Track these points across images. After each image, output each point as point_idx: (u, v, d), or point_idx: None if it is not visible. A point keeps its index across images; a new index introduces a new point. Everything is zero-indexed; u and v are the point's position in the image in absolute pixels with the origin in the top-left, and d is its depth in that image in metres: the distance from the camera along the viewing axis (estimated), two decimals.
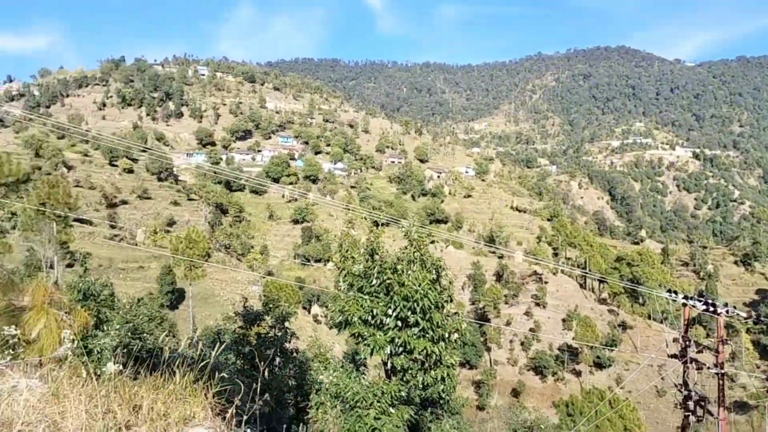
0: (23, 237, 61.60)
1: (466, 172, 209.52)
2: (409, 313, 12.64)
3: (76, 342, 7.07)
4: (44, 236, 52.45)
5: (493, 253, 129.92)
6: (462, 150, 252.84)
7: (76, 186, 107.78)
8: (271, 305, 23.32)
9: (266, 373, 17.83)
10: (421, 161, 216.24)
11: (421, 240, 14.04)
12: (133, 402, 4.10)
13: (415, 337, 12.78)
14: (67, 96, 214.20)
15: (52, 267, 53.64)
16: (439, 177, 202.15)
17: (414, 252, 13.70)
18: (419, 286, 12.70)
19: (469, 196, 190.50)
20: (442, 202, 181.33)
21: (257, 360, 19.98)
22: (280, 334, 21.46)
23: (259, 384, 5.99)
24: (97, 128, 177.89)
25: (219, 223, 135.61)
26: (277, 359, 20.47)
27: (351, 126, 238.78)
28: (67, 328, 7.73)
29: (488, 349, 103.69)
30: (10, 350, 6.27)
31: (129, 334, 15.89)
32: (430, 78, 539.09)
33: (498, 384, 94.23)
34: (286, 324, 21.97)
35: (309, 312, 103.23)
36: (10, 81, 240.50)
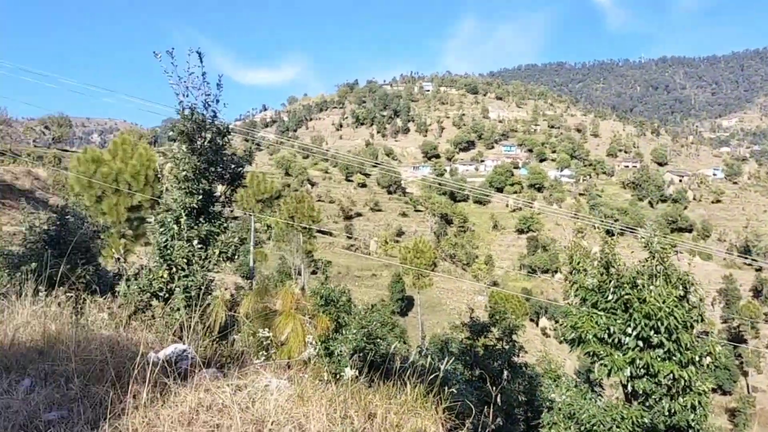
0: (276, 246, 69.16)
1: (714, 175, 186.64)
2: (652, 332, 11.20)
3: (317, 346, 7.18)
4: (293, 246, 58.17)
5: (749, 265, 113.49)
6: (708, 150, 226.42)
7: (318, 200, 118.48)
8: (498, 317, 22.62)
9: (494, 387, 17.14)
10: (660, 164, 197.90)
11: (664, 251, 12.28)
12: (368, 410, 4.09)
13: (659, 359, 11.23)
14: (310, 120, 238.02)
15: (299, 274, 59.23)
16: (681, 181, 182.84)
17: (657, 265, 12.01)
18: (663, 303, 11.11)
19: (718, 201, 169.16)
20: (686, 208, 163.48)
21: (484, 372, 19.50)
22: (507, 346, 20.68)
23: (492, 400, 5.47)
24: (335, 147, 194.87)
25: (444, 233, 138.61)
26: (505, 372, 19.70)
27: (578, 130, 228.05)
28: (311, 333, 7.97)
29: (745, 374, 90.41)
30: (264, 351, 6.46)
31: (364, 338, 16.42)
32: (667, 74, 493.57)
33: (758, 414, 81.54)
34: (514, 337, 21.11)
35: (537, 325, 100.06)
36: (265, 110, 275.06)
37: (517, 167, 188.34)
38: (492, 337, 20.38)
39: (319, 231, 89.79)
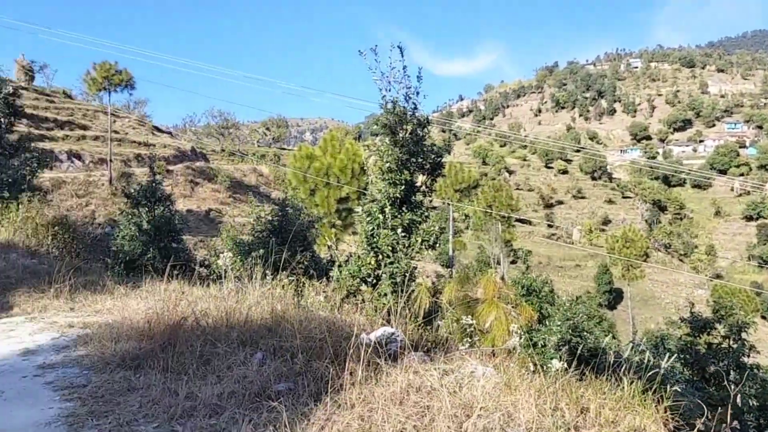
0: (474, 236, 69.44)
1: None
2: None
3: (522, 335, 7.05)
4: (491, 235, 57.92)
5: None
6: None
7: (517, 189, 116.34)
8: (723, 312, 20.42)
9: (718, 388, 15.59)
10: None
11: None
12: (580, 404, 3.97)
13: None
14: (507, 107, 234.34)
15: (498, 263, 58.88)
16: None
17: None
18: None
19: None
20: None
21: (707, 372, 17.65)
22: (735, 345, 18.60)
23: (731, 401, 4.92)
24: (533, 134, 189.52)
25: (657, 222, 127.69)
26: (732, 374, 17.72)
27: None
28: (515, 322, 7.86)
29: None
30: (468, 338, 6.51)
31: (569, 331, 15.83)
32: None
33: None
34: (743, 335, 18.94)
35: None
36: (461, 100, 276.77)
37: (743, 146, 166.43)
38: (716, 335, 18.37)
39: (518, 220, 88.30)
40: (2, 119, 15.75)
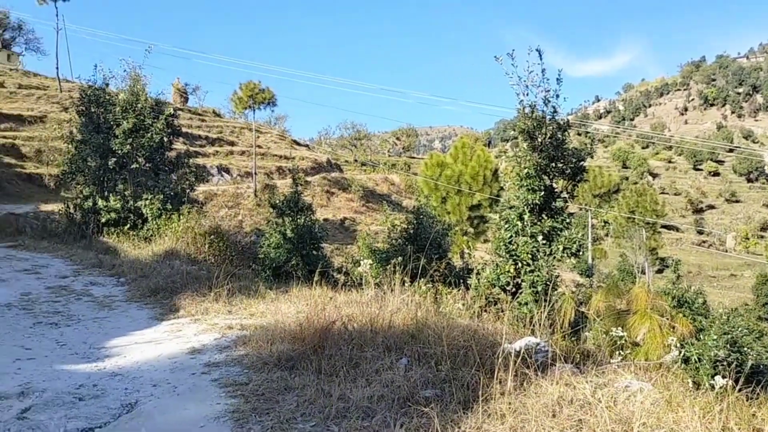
0: (616, 243, 65.96)
1: None
2: None
3: (682, 350, 6.56)
4: (635, 243, 54.68)
5: None
6: None
7: (662, 193, 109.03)
8: None
9: None
10: None
11: None
12: (753, 424, 3.69)
13: None
14: (649, 106, 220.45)
15: (643, 272, 55.45)
16: None
17: None
18: None
19: None
20: None
21: None
22: None
23: None
24: (679, 133, 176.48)
25: None
26: None
27: None
28: (672, 335, 7.33)
29: None
30: (620, 351, 6.20)
31: (727, 346, 14.61)
32: None
33: None
34: None
35: None
36: (598, 101, 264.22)
37: None
38: None
39: (663, 226, 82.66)
40: (165, 139, 17.37)
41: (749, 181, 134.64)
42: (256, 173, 38.90)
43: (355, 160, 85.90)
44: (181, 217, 14.63)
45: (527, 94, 9.30)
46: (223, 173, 40.93)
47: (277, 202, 15.21)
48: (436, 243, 12.93)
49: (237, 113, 48.37)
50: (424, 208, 15.81)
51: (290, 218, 14.46)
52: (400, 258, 9.37)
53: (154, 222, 15.47)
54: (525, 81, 9.19)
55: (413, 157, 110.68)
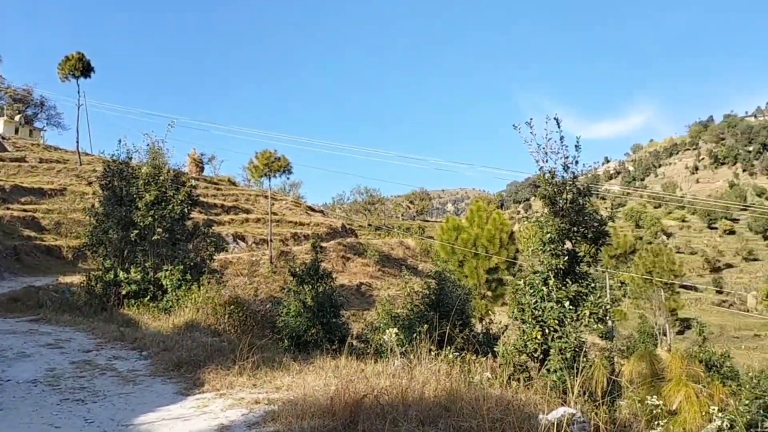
0: (634, 305, 64.95)
1: None
2: None
3: (724, 420, 6.35)
4: (654, 303, 53.83)
5: None
6: None
7: (677, 252, 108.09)
8: None
9: None
10: None
11: None
12: None
13: None
14: (659, 166, 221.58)
15: (664, 334, 54.28)
16: None
17: None
18: None
19: None
20: None
21: None
22: None
23: None
24: (691, 192, 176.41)
25: None
26: None
27: None
28: (710, 403, 7.11)
29: None
30: (657, 420, 6.03)
31: (761, 411, 14.16)
32: None
33: None
34: None
35: None
36: (607, 162, 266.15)
37: None
38: None
39: (681, 286, 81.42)
40: (186, 210, 17.64)
41: (766, 239, 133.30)
42: (271, 240, 39.15)
43: (369, 225, 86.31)
44: (201, 287, 14.66)
45: (546, 161, 9.44)
46: (239, 241, 41.24)
47: (297, 269, 15.24)
48: (459, 309, 12.83)
49: (253, 181, 49.20)
50: (445, 273, 15.75)
51: (310, 286, 14.45)
52: (425, 325, 9.29)
53: (174, 293, 15.50)
54: (544, 148, 9.35)
55: (427, 221, 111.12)
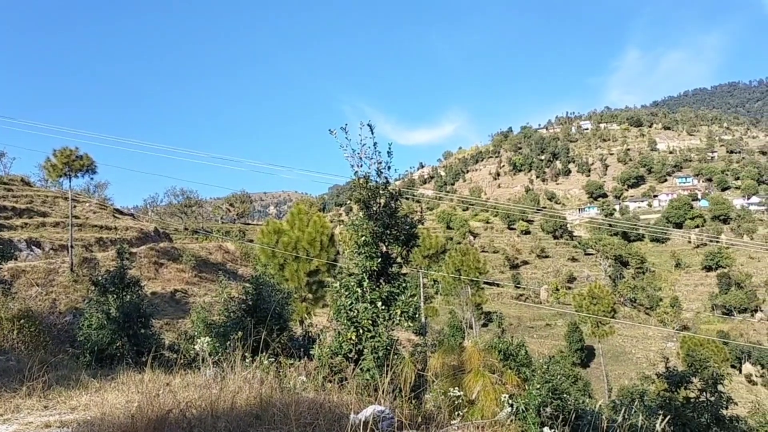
0: (445, 301, 69.41)
1: None
2: None
3: (513, 405, 6.99)
4: (462, 299, 57.98)
5: None
6: None
7: (483, 251, 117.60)
8: (697, 366, 20.61)
9: None
10: None
11: None
12: None
13: None
14: (467, 172, 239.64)
15: (471, 327, 58.69)
16: None
17: None
18: None
19: None
20: None
21: (688, 428, 17.65)
22: (713, 398, 18.69)
23: None
24: (494, 197, 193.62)
25: (621, 277, 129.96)
26: (713, 428, 17.77)
27: (763, 153, 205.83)
28: (502, 391, 7.80)
29: None
30: (458, 411, 6.44)
31: (549, 393, 15.72)
32: None
33: None
34: (719, 387, 19.08)
35: (740, 371, 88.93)
36: (422, 167, 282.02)
37: (696, 199, 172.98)
38: (693, 388, 18.47)
39: (486, 282, 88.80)
40: None
41: (555, 238, 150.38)
42: (72, 246, 35.57)
43: (186, 228, 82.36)
44: None
45: (361, 166, 9.69)
46: (34, 247, 36.92)
47: (100, 278, 14.01)
48: (277, 313, 12.69)
49: (51, 181, 44.35)
50: (264, 277, 15.48)
51: (115, 295, 13.35)
52: (239, 333, 9.05)
53: None
54: (359, 153, 9.58)
55: (248, 224, 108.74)
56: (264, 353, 8.80)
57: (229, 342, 8.79)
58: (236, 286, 17.70)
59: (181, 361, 11.58)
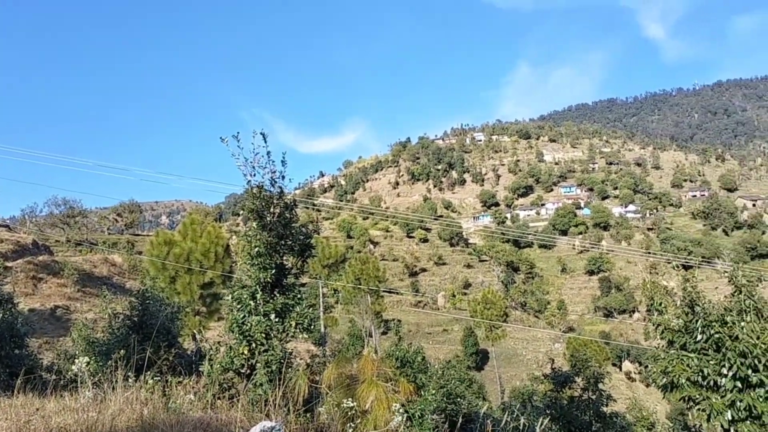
0: (345, 310, 69.43)
1: None
2: (750, 371, 10.56)
3: (403, 414, 7.08)
4: (362, 308, 58.24)
5: None
6: None
7: (382, 260, 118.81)
8: (580, 365, 21.81)
9: None
10: (729, 190, 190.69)
11: (751, 285, 11.71)
12: None
13: (762, 399, 10.51)
14: (367, 181, 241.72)
15: (371, 335, 58.99)
16: (754, 205, 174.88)
17: (745, 299, 11.43)
18: (758, 339, 10.50)
19: None
20: (763, 233, 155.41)
21: (573, 425, 18.66)
22: (594, 396, 19.83)
23: None
24: (393, 205, 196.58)
25: (512, 282, 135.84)
26: (594, 425, 18.87)
27: (638, 164, 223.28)
28: (396, 400, 7.88)
29: None
30: (351, 422, 6.41)
31: (444, 398, 16.05)
32: (725, 97, 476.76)
33: None
34: (600, 385, 20.26)
35: (620, 369, 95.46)
36: (322, 176, 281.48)
37: (579, 207, 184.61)
38: (577, 388, 19.54)
39: (385, 290, 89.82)
40: None
41: (452, 245, 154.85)
42: None
43: (68, 240, 77.20)
44: None
45: (254, 175, 9.49)
46: None
47: None
48: (165, 329, 12.13)
49: None
50: (151, 291, 14.77)
51: None
52: (123, 351, 8.56)
53: None
54: (251, 162, 9.38)
55: (138, 235, 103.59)
56: (150, 371, 8.37)
57: (110, 361, 8.28)
58: (123, 301, 16.77)
59: (60, 383, 10.78)
